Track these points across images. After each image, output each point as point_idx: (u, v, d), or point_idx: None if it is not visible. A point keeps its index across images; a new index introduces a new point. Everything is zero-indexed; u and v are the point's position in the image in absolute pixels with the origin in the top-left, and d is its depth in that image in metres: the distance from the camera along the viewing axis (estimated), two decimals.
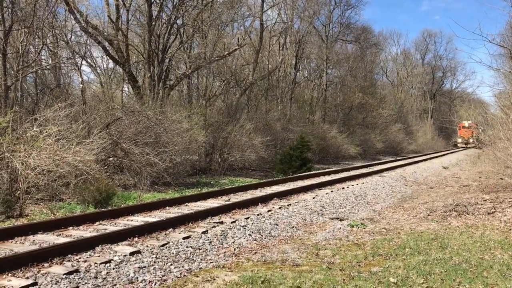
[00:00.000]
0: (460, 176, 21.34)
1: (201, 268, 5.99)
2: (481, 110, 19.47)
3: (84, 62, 23.87)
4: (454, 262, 6.08)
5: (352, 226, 8.92)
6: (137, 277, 5.43)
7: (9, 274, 5.30)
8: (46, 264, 5.69)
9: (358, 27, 45.66)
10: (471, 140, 53.67)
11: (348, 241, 7.66)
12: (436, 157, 36.34)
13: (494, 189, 13.94)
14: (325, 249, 7.02)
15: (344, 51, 44.59)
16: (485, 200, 11.38)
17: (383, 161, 31.26)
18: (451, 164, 29.78)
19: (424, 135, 60.09)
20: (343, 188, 14.58)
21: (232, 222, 8.60)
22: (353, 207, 11.86)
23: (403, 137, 49.94)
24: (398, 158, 35.04)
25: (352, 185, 15.39)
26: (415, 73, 72.98)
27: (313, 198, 12.21)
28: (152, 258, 6.14)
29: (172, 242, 6.97)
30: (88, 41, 20.43)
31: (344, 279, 5.35)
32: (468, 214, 9.86)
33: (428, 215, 10.09)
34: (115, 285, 5.16)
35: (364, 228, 8.80)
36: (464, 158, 36.28)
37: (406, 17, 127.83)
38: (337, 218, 10.05)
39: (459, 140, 58.67)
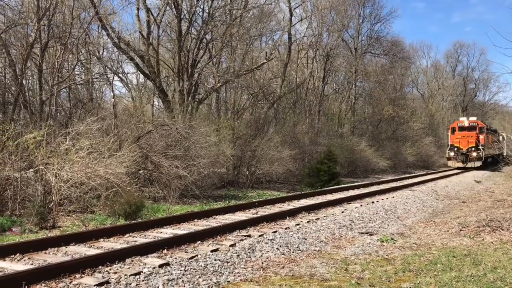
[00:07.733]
0: (494, 190, 20.75)
1: (229, 281, 6.00)
2: None
3: (116, 77, 24.46)
4: (488, 279, 5.90)
5: (382, 241, 8.78)
6: None
7: (43, 285, 5.43)
8: (77, 275, 5.80)
9: (388, 40, 45.21)
10: (474, 154, 33.37)
11: (378, 256, 7.54)
12: (469, 170, 35.44)
13: None
14: (354, 264, 6.92)
15: (373, 64, 44.22)
16: None
17: (413, 174, 30.72)
18: (484, 178, 29.00)
19: None
20: (373, 202, 14.39)
21: (259, 236, 8.59)
22: (383, 221, 11.68)
23: (434, 150, 48.89)
24: (429, 172, 34.34)
25: (382, 199, 15.16)
26: (446, 86, 71.62)
27: (342, 212, 12.09)
28: (181, 270, 6.19)
29: (200, 254, 7.01)
30: (119, 57, 20.96)
31: None
32: (503, 229, 9.57)
33: (461, 230, 9.84)
34: None
35: (394, 243, 8.64)
36: (497, 172, 35.28)
37: (436, 28, 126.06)
38: (367, 233, 9.91)
39: (451, 153, 34.62)
